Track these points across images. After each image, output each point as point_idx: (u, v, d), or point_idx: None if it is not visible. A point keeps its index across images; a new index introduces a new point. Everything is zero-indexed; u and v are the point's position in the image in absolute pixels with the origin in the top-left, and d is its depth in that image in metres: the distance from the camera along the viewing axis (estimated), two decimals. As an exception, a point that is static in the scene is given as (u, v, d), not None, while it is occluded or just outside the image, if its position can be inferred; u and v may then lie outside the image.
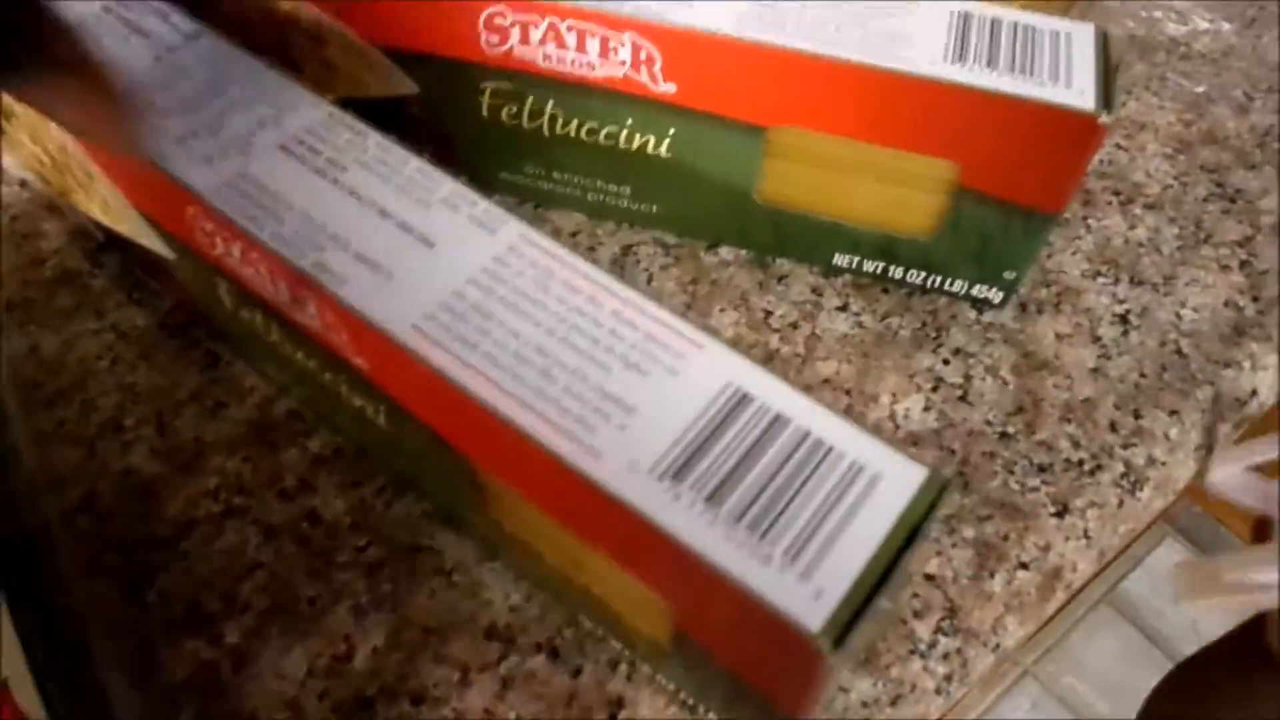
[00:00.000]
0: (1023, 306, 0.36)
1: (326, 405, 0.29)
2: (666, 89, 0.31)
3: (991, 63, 0.29)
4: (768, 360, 0.33)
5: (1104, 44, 0.30)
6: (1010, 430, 0.32)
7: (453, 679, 0.26)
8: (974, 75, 0.29)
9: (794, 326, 0.34)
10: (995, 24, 0.30)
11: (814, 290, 0.35)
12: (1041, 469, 0.31)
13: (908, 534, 0.20)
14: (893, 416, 0.32)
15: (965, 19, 0.30)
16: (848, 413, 0.32)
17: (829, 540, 0.19)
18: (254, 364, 0.32)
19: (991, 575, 0.29)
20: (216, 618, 0.27)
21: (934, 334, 0.34)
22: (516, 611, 0.28)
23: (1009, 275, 0.34)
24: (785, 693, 0.21)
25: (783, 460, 0.20)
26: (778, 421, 0.21)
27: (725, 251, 0.36)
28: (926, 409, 0.32)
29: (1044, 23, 0.31)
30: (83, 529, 0.29)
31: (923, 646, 0.28)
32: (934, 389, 0.33)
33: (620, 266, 0.35)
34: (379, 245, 0.23)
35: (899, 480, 0.20)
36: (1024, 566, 0.29)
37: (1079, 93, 0.28)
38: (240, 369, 0.32)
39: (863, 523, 0.20)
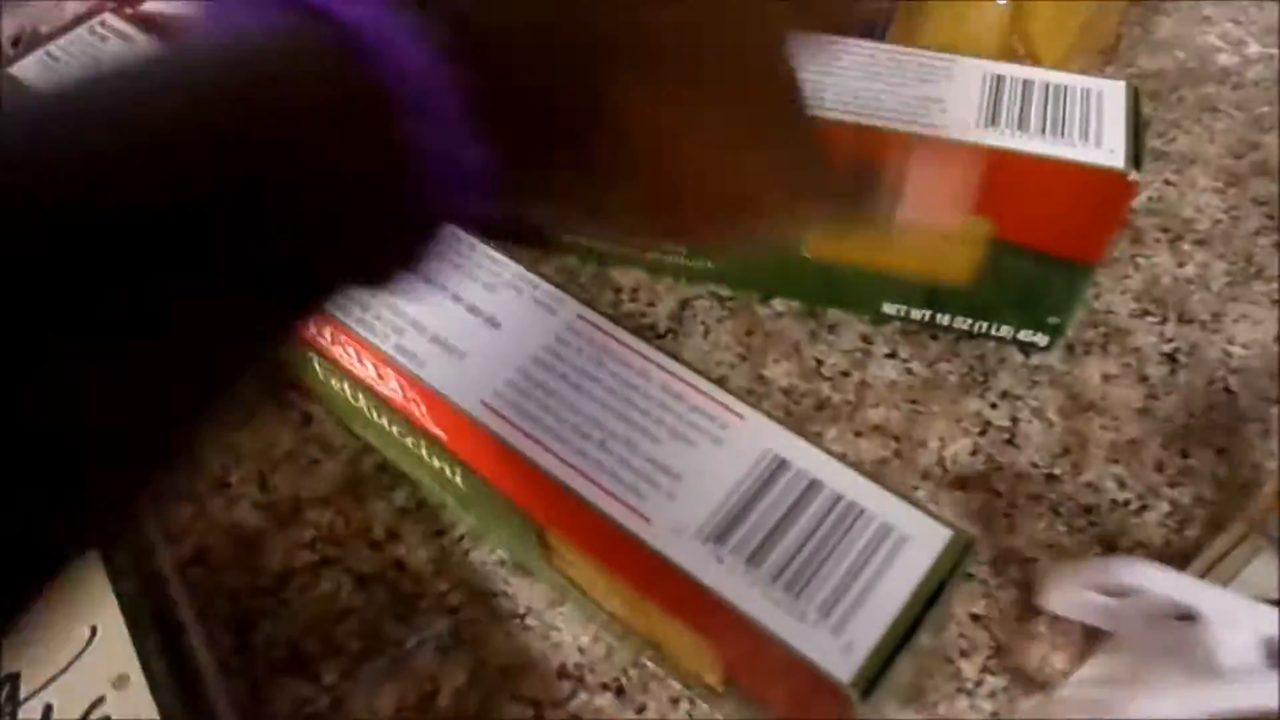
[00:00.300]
0: (1070, 348, 0.37)
1: (410, 463, 0.32)
2: (715, 159, 0.33)
3: (1023, 125, 0.31)
4: (819, 408, 0.35)
5: (1135, 101, 0.31)
6: (1057, 472, 0.33)
7: (527, 715, 0.29)
8: (1006, 138, 0.30)
9: (845, 374, 0.36)
10: (1027, 86, 0.32)
11: (864, 339, 0.37)
12: (1088, 510, 0.33)
13: (934, 590, 0.21)
14: (941, 461, 0.34)
15: (998, 82, 0.32)
16: (897, 458, 0.33)
17: (860, 597, 0.21)
18: (343, 424, 0.35)
19: (1037, 614, 0.30)
20: (315, 659, 0.30)
21: (981, 378, 0.36)
22: (585, 653, 0.30)
23: (1054, 320, 0.35)
24: None
25: (817, 523, 0.22)
26: (813, 487, 0.23)
27: (778, 303, 0.38)
28: (974, 453, 0.34)
29: (1075, 81, 0.32)
30: (195, 579, 0.32)
31: (969, 684, 0.29)
32: (981, 433, 0.34)
33: (678, 319, 0.38)
34: (452, 328, 0.26)
35: (926, 540, 0.22)
36: (1069, 606, 0.31)
37: (1109, 151, 0.30)
38: (331, 427, 0.35)
39: (891, 580, 0.21)
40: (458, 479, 0.29)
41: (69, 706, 0.25)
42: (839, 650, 0.21)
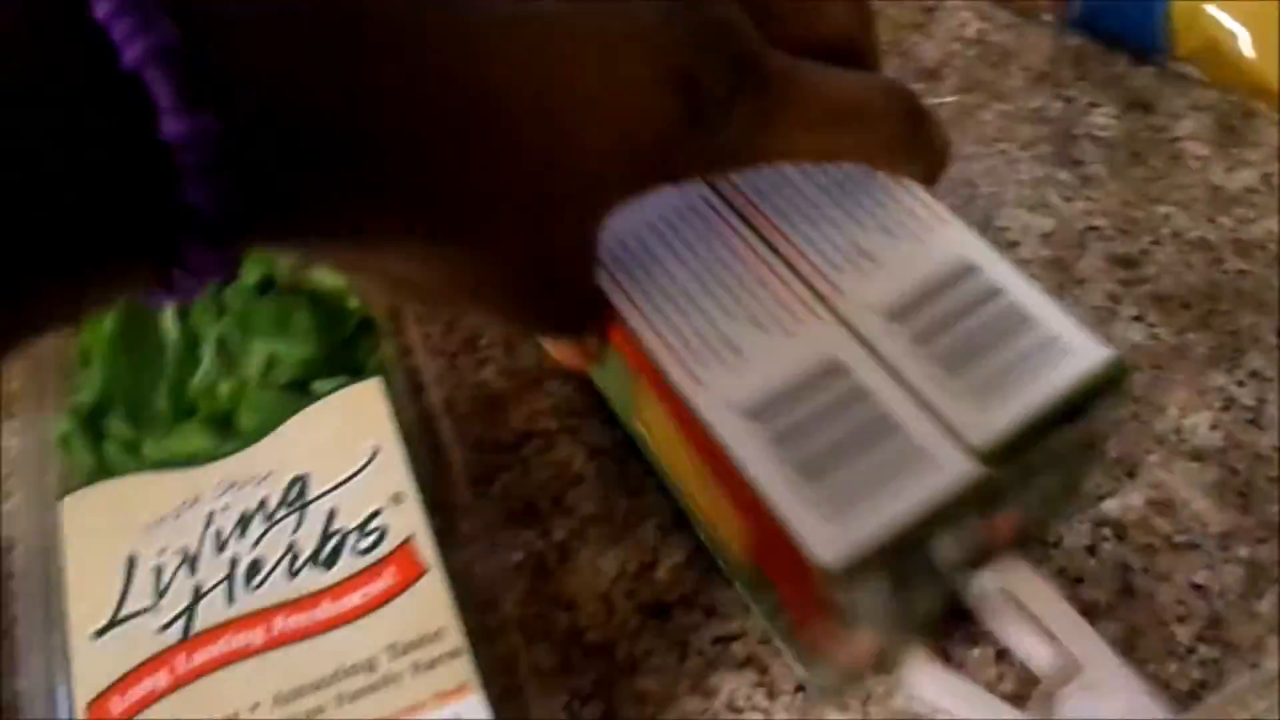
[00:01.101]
0: (1328, 338, 0.35)
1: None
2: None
3: (928, 337, 0.24)
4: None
5: (1109, 378, 0.24)
6: (1300, 459, 0.32)
7: (740, 601, 0.30)
8: (889, 339, 0.24)
9: (1086, 330, 0.35)
10: (992, 294, 0.25)
11: (1111, 298, 0.36)
12: (1329, 502, 0.32)
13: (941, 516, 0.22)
14: (1178, 430, 0.33)
15: (962, 271, 0.25)
16: (1134, 420, 0.33)
17: (877, 493, 0.22)
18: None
19: (1260, 596, 0.30)
20: (546, 516, 0.33)
21: (1232, 354, 0.35)
22: (800, 553, 0.31)
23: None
24: (806, 623, 0.24)
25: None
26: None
27: (1025, 251, 0.38)
28: (1214, 427, 0.33)
29: (1051, 319, 0.25)
30: (442, 428, 0.35)
31: (1181, 649, 0.29)
32: (1224, 408, 0.33)
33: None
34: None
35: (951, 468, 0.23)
36: (1297, 592, 0.30)
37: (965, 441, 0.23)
38: (576, 309, 0.37)
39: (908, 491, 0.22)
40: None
41: (350, 512, 0.28)
42: (831, 535, 0.22)
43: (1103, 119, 0.42)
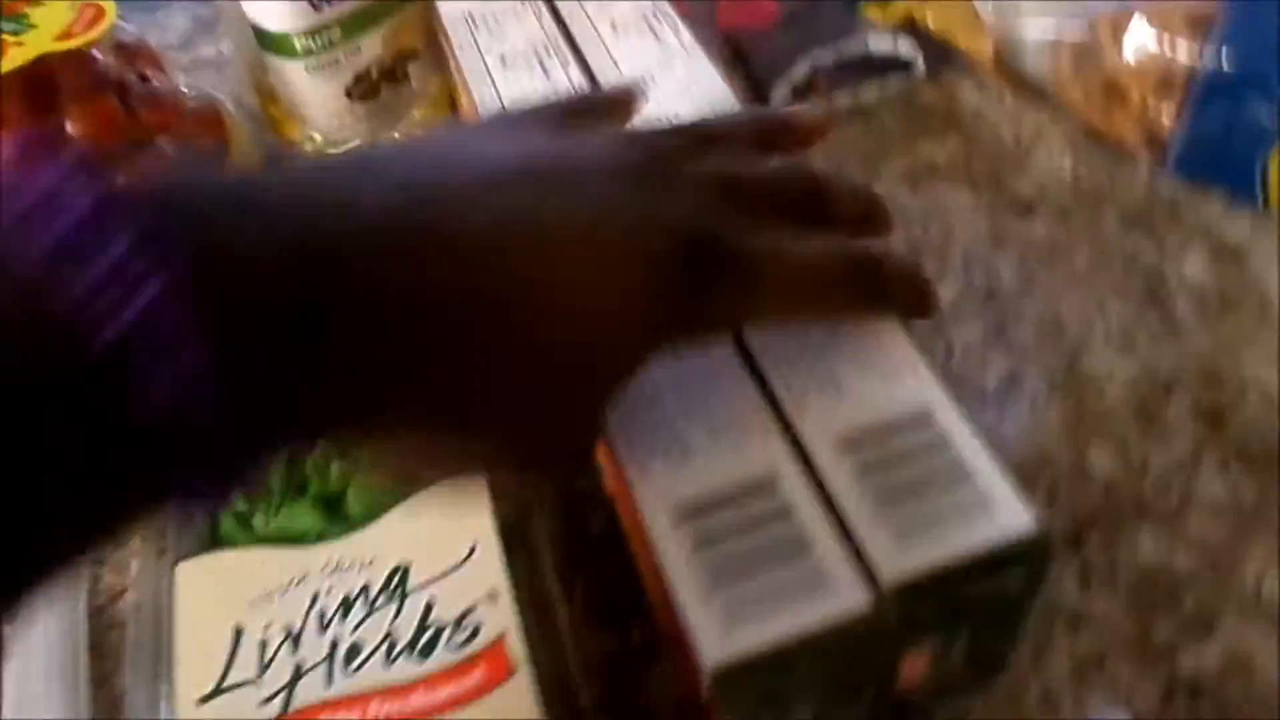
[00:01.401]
0: None
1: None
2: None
3: (865, 472, 0.26)
4: (1137, 506, 0.35)
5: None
6: (1382, 629, 0.32)
7: None
8: (833, 470, 0.26)
9: (1169, 479, 0.36)
10: (940, 443, 0.26)
11: (1194, 448, 0.37)
12: None
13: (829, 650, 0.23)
14: (1256, 589, 0.33)
15: (918, 417, 0.26)
16: (1210, 571, 0.33)
17: (773, 606, 0.23)
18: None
19: (1337, 767, 0.30)
20: (625, 618, 0.34)
21: (1315, 516, 0.35)
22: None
23: None
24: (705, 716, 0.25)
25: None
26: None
27: (1111, 388, 0.38)
28: (1293, 588, 0.33)
29: (989, 479, 0.25)
30: (534, 526, 0.36)
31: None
32: (1305, 571, 0.34)
33: (1004, 390, 0.39)
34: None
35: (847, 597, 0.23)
36: (1374, 768, 0.30)
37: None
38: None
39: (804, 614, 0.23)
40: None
41: (447, 606, 0.29)
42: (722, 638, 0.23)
43: (1194, 265, 0.42)
